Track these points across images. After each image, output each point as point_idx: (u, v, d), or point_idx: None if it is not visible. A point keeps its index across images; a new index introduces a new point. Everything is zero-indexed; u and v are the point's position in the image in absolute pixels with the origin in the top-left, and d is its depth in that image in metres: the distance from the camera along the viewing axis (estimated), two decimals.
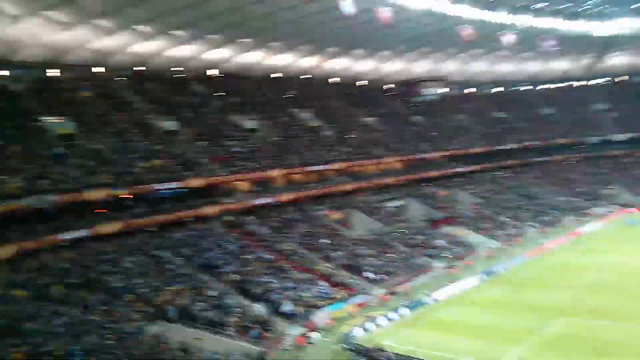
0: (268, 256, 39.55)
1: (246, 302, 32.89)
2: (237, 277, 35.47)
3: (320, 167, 53.18)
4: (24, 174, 33.39)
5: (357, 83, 75.14)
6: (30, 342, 22.84)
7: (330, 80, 72.01)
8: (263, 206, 46.67)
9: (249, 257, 38.75)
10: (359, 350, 28.01)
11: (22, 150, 35.35)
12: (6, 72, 42.72)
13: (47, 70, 45.71)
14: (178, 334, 27.63)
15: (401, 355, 27.09)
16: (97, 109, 44.82)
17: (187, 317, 29.89)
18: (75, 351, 23.14)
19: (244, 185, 46.61)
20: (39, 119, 39.62)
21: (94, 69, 48.75)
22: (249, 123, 54.44)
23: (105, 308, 28.82)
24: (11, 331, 23.25)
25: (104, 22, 42.82)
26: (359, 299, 36.08)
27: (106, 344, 24.63)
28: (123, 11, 41.50)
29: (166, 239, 38.55)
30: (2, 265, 29.75)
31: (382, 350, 27.62)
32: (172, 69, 54.89)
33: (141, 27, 45.59)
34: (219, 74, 59.52)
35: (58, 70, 46.07)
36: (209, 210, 42.53)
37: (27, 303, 27.28)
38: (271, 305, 32.79)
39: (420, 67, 75.99)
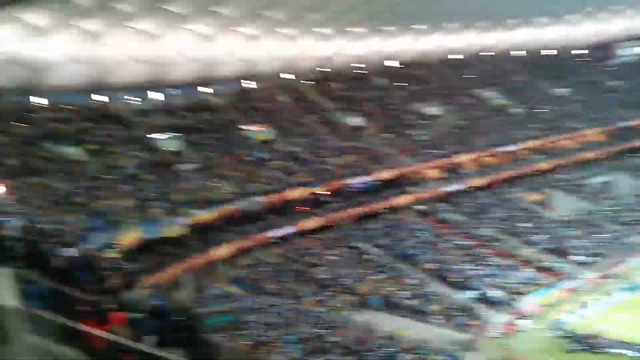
0: (465, 243, 38.93)
1: (448, 289, 32.77)
2: (435, 265, 35.47)
3: (512, 148, 50.88)
4: (233, 180, 36.74)
5: (543, 53, 70.24)
6: (252, 333, 25.04)
7: (512, 54, 68.27)
8: (455, 193, 45.97)
9: (445, 244, 38.53)
10: (574, 337, 26.49)
11: (230, 159, 38.92)
12: (209, 89, 47.17)
13: (243, 83, 49.56)
14: (383, 322, 28.43)
15: (623, 342, 25.13)
16: (289, 114, 47.71)
17: (390, 306, 30.65)
18: (290, 340, 24.90)
19: (433, 173, 46.31)
20: (241, 128, 43.23)
21: (283, 76, 51.76)
22: (432, 109, 53.90)
23: (315, 299, 30.66)
24: (236, 324, 25.65)
25: (289, 31, 45.39)
26: (568, 283, 34.00)
27: (318, 332, 26.16)
28: (304, 17, 43.61)
29: (363, 231, 39.77)
30: (223, 263, 33.08)
31: (599, 336, 25.85)
32: (353, 65, 56.30)
33: (321, 30, 47.49)
34: (398, 64, 59.71)
35: (253, 82, 49.76)
36: (401, 200, 43.00)
37: (246, 297, 30.04)
38: (474, 293, 32.27)
39: (614, 26, 68.80)
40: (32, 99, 37.24)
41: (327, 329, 26.79)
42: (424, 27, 54.38)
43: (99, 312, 7.08)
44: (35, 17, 31.33)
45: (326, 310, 29.79)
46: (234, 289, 31.11)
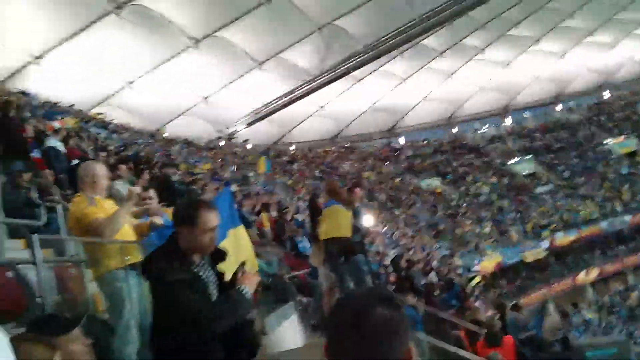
0: None
1: None
2: None
3: None
4: (595, 198, 34.55)
5: None
6: None
7: None
8: None
9: None
10: None
11: (590, 176, 36.74)
12: (561, 106, 45.37)
13: (598, 94, 46.26)
14: None
15: None
16: None
17: None
18: None
19: None
20: (600, 142, 40.35)
21: None
22: None
23: None
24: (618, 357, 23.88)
25: None
26: None
27: None
28: None
29: None
30: (589, 289, 31.25)
31: None
32: None
33: None
34: None
35: (608, 91, 46.04)
36: None
37: (618, 326, 27.70)
38: None
39: None
40: (395, 139, 42.14)
41: None
42: None
43: (492, 336, 7.84)
44: (395, 67, 35.63)
45: None
46: (604, 317, 29.04)
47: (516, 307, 11.73)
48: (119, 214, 4.34)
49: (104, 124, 23.77)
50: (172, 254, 2.92)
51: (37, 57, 24.17)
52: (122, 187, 7.71)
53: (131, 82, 28.03)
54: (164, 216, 5.11)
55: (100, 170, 4.64)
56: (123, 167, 9.47)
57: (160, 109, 30.34)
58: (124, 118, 27.65)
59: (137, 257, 4.47)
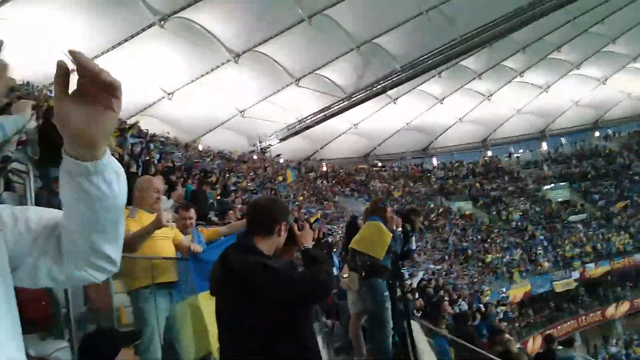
0: None
1: None
2: None
3: None
4: (631, 229, 33.56)
5: None
6: None
7: None
8: None
9: None
10: None
11: (625, 207, 35.73)
12: (598, 133, 44.33)
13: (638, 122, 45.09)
14: None
15: None
16: None
17: None
18: None
19: None
20: (638, 172, 39.26)
21: None
22: None
23: None
24: None
25: None
26: None
27: None
28: None
29: None
30: (619, 323, 30.34)
31: None
32: None
33: None
34: None
35: None
36: None
37: None
38: None
39: None
40: (427, 159, 41.88)
41: None
42: None
43: None
44: (432, 87, 35.61)
45: None
46: (633, 353, 28.08)
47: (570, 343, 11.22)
48: (138, 236, 4.02)
49: (140, 134, 24.00)
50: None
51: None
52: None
53: (170, 94, 28.39)
54: (196, 236, 5.04)
55: (147, 184, 4.49)
56: (161, 179, 9.45)
57: (197, 120, 30.62)
58: (161, 128, 27.86)
59: (170, 276, 4.37)
